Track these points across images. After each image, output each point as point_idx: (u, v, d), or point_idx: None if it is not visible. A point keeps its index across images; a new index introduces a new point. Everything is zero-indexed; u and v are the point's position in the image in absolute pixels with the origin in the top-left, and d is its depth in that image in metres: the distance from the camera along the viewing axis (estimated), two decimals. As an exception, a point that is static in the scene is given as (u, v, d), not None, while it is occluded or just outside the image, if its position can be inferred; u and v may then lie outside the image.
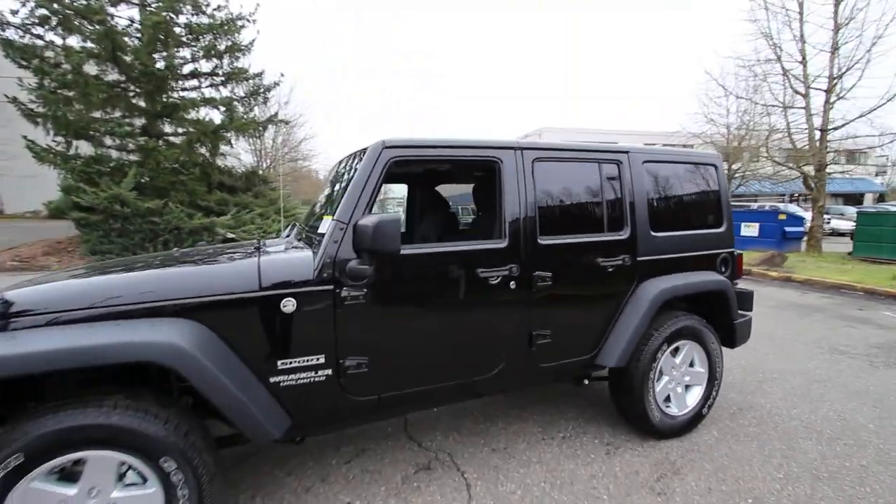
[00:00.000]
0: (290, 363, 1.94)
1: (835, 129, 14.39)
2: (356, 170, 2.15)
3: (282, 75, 14.53)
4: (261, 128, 14.56)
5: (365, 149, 2.21)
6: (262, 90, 14.26)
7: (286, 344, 1.93)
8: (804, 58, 14.05)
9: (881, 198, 35.26)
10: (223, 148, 14.72)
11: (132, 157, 13.17)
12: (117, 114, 13.22)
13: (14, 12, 11.79)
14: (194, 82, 14.27)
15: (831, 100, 13.95)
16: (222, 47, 13.80)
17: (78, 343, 1.53)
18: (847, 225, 22.18)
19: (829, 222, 22.13)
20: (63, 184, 12.07)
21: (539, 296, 2.43)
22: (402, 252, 2.04)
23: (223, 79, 14.19)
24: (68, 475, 1.61)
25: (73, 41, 12.37)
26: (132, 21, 13.03)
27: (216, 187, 13.96)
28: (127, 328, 1.65)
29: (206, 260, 2.15)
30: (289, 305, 1.91)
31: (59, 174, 12.45)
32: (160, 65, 12.87)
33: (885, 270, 10.53)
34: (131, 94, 13.37)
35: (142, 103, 13.41)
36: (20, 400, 1.67)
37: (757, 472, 2.58)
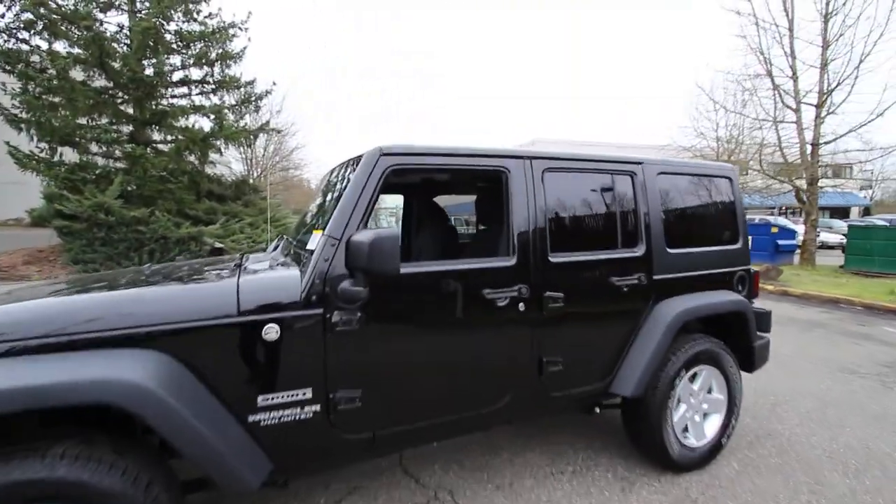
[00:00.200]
0: (273, 399, 1.70)
1: (826, 143, 14.48)
2: (349, 179, 1.94)
3: (273, 84, 14.28)
4: (252, 136, 14.33)
5: (360, 156, 1.99)
6: (253, 98, 14.04)
7: (268, 377, 1.70)
8: (795, 73, 14.16)
9: (866, 211, 35.76)
10: (213, 156, 14.46)
11: (119, 165, 12.87)
12: (104, 120, 12.94)
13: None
14: (184, 90, 14.04)
15: (822, 115, 14.04)
16: (214, 55, 13.60)
17: (9, 383, 1.29)
18: (835, 238, 22.34)
19: (818, 235, 22.29)
20: (46, 191, 11.71)
21: (550, 319, 2.22)
22: (402, 271, 1.83)
23: (214, 87, 13.98)
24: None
25: (60, 46, 12.12)
26: (121, 27, 12.82)
27: (205, 196, 13.66)
28: (76, 362, 1.40)
29: (179, 279, 1.91)
30: (271, 332, 1.67)
31: (42, 181, 12.10)
32: (149, 71, 12.64)
33: (880, 284, 10.50)
34: (119, 100, 13.11)
35: (130, 110, 13.14)
36: None
37: (784, 511, 2.37)
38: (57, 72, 11.60)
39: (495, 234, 2.38)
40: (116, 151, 12.64)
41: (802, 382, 4.37)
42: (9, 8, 11.43)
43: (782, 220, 18.59)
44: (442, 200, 3.77)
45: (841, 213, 33.13)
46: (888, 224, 20.02)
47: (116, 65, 12.34)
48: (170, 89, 13.70)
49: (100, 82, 12.75)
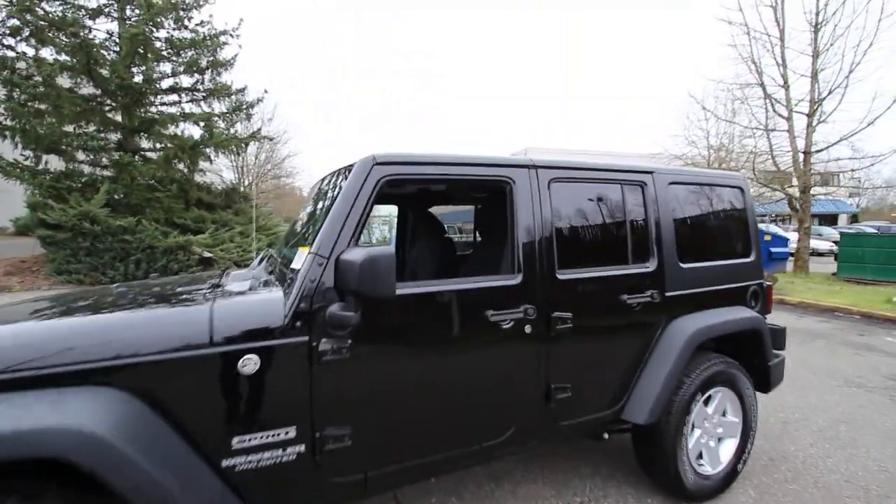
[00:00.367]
0: (250, 440, 1.50)
1: (817, 151, 14.54)
2: (340, 190, 1.76)
3: (265, 92, 14.11)
4: (243, 144, 14.11)
5: (351, 165, 1.82)
6: (244, 106, 13.85)
7: (245, 415, 1.51)
8: (786, 82, 14.24)
9: (854, 218, 36.11)
10: (203, 164, 14.23)
11: (105, 173, 12.61)
12: (91, 128, 12.69)
13: (-17, 22, 11.29)
14: (174, 97, 13.84)
15: (813, 123, 14.12)
16: (204, 63, 13.42)
17: None
18: (825, 245, 22.48)
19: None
20: (29, 200, 11.42)
21: (558, 341, 2.05)
22: (398, 292, 1.65)
23: (204, 94, 13.79)
24: None
25: (47, 53, 11.89)
26: (111, 34, 12.60)
27: (194, 204, 13.42)
28: (11, 406, 1.20)
29: (145, 302, 1.72)
30: (249, 364, 1.48)
31: (26, 189, 11.81)
32: (138, 79, 12.42)
33: (875, 292, 10.48)
34: (107, 108, 12.88)
35: (118, 118, 12.91)
36: None
37: (809, 545, 2.21)
38: (43, 79, 11.37)
39: (497, 248, 2.21)
40: (103, 159, 12.39)
41: (810, 397, 4.23)
42: (-6, 14, 11.21)
43: (773, 228, 18.65)
44: (434, 208, 3.61)
45: (829, 220, 33.42)
46: (877, 231, 20.24)
47: (104, 72, 12.13)
48: (159, 97, 13.49)
49: (87, 89, 12.53)
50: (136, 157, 12.33)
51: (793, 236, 16.32)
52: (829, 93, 13.44)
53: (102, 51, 12.13)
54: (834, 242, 20.13)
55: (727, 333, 2.49)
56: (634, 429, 2.43)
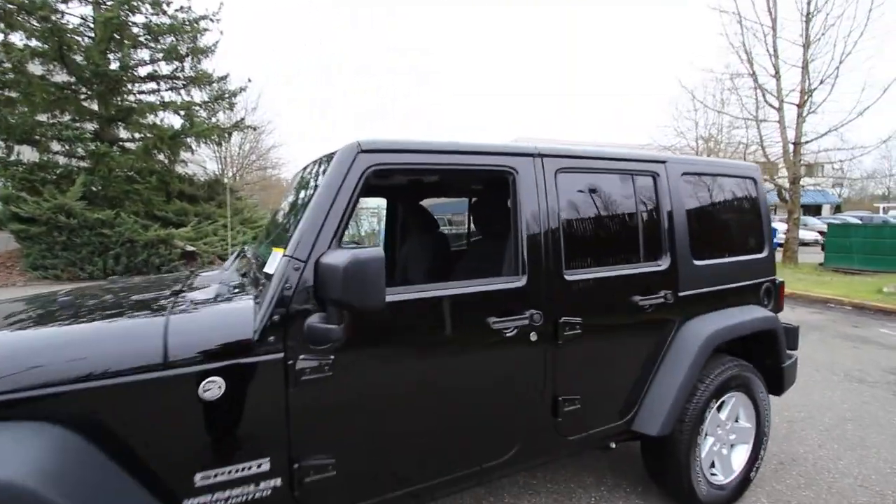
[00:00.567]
0: (217, 476, 1.28)
1: (807, 142, 14.54)
2: (320, 182, 1.54)
3: (248, 80, 13.67)
4: (226, 134, 13.70)
5: (333, 153, 1.59)
6: (227, 95, 13.42)
7: (210, 447, 1.29)
8: (778, 72, 14.16)
9: (837, 209, 36.60)
10: (185, 155, 13.81)
11: (82, 164, 12.14)
12: (66, 117, 12.20)
13: (-54, 5, 10.72)
14: (153, 85, 13.36)
15: (803, 114, 14.09)
16: (184, 49, 12.94)
17: None
18: (810, 235, 22.68)
19: (794, 232, 22.61)
20: (1, 193, 10.94)
21: (566, 349, 1.85)
22: (389, 299, 1.44)
23: (185, 82, 13.32)
24: None
25: (16, 38, 11.33)
26: (85, 18, 12.05)
27: (175, 197, 13.02)
28: None
29: (91, 314, 1.48)
30: (213, 388, 1.26)
31: (-2, 182, 11.34)
32: (114, 66, 11.94)
33: (863, 282, 10.51)
34: (82, 96, 12.38)
35: (94, 106, 12.42)
36: None
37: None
38: (13, 65, 10.84)
39: (497, 246, 2.01)
40: (79, 150, 11.91)
41: (813, 394, 4.12)
42: (-43, -4, 10.65)
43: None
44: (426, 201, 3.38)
45: (813, 210, 33.79)
46: (860, 221, 20.47)
47: (79, 58, 11.63)
48: (137, 85, 13.01)
49: (61, 77, 12.01)
50: (114, 147, 11.89)
51: (781, 227, 16.37)
52: (821, 83, 13.40)
53: (76, 36, 11.61)
54: (820, 233, 20.34)
55: (746, 335, 2.33)
56: (644, 438, 2.26)
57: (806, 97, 13.94)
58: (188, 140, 12.50)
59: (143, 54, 12.76)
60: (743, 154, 15.67)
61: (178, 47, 12.59)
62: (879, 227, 13.99)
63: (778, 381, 2.60)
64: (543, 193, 1.83)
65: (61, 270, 10.87)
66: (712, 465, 2.37)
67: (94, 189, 11.61)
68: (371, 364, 1.52)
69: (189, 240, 12.07)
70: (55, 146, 11.93)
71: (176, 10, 12.75)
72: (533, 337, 1.76)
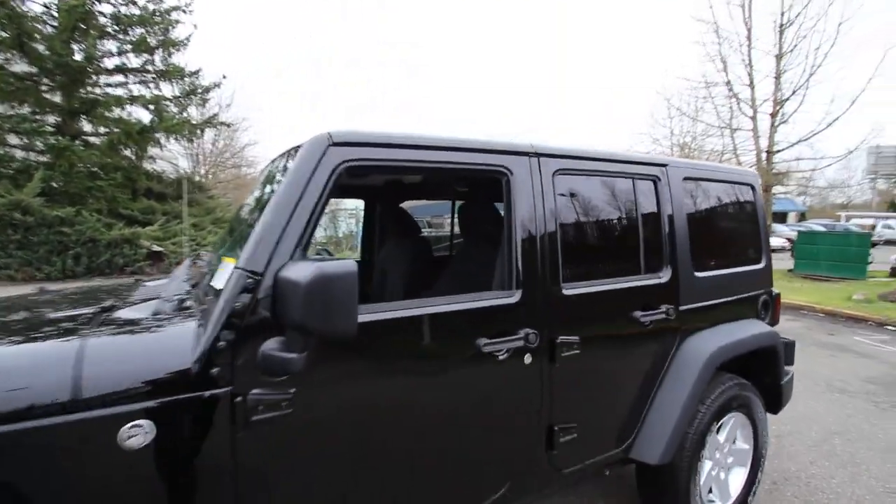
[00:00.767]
0: None
1: (779, 151, 14.88)
2: (283, 181, 1.31)
3: (224, 77, 13.20)
4: (198, 130, 13.21)
5: (300, 145, 1.37)
6: (199, 90, 12.93)
7: None
8: (752, 82, 14.46)
9: (802, 216, 37.81)
10: (154, 151, 13.23)
11: (41, 159, 11.50)
12: (26, 109, 11.53)
13: None
14: (120, 78, 12.78)
15: (775, 123, 14.42)
16: (154, 42, 12.42)
17: None
18: (778, 242, 23.26)
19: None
20: (-49, 188, 10.25)
21: (563, 371, 1.67)
22: (364, 319, 1.22)
23: (154, 76, 12.78)
24: None
25: (-29, 24, 10.67)
26: (47, 7, 11.43)
27: (143, 194, 12.46)
28: None
29: None
30: (138, 435, 1.01)
31: (-53, 176, 10.64)
32: (79, 56, 11.36)
33: (831, 289, 10.70)
34: (44, 87, 11.73)
35: (56, 99, 11.79)
36: None
37: None
38: (-34, 53, 10.20)
39: (487, 256, 1.81)
40: (38, 144, 11.27)
41: (797, 405, 4.05)
42: None
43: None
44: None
45: (779, 217, 34.78)
46: (824, 228, 21.12)
47: (40, 47, 11.01)
48: (103, 77, 12.42)
49: (21, 67, 11.36)
50: (76, 141, 11.29)
51: (754, 234, 16.68)
52: (793, 93, 13.72)
53: (37, 24, 10.99)
54: (788, 239, 20.86)
55: (749, 352, 2.19)
56: (641, 465, 2.09)
57: (778, 107, 14.27)
58: (157, 135, 11.97)
59: (111, 45, 12.21)
60: (718, 161, 15.92)
61: (148, 39, 12.07)
62: (846, 235, 14.41)
63: (776, 399, 2.48)
64: (540, 197, 1.64)
65: (15, 270, 10.25)
66: (710, 491, 2.22)
67: (53, 185, 11.01)
68: (341, 398, 1.29)
69: (156, 239, 11.55)
70: (12, 139, 11.27)
71: (146, 1, 12.25)
72: (527, 359, 1.56)
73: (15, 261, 10.23)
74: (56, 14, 11.10)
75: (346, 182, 1.36)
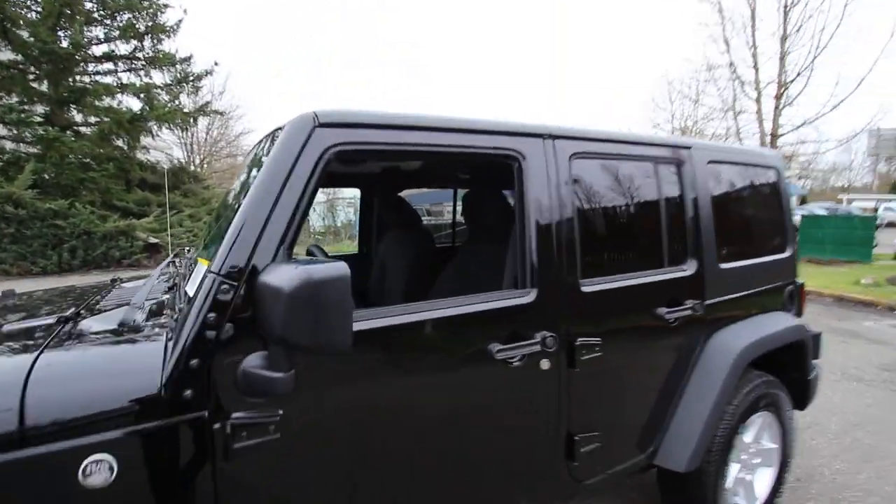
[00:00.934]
0: None
1: (783, 134, 14.64)
2: (263, 168, 1.12)
3: (216, 63, 12.86)
4: (191, 119, 12.93)
5: (282, 127, 1.19)
6: (190, 77, 12.62)
7: None
8: (756, 63, 14.17)
9: (803, 200, 37.62)
10: (148, 141, 12.98)
11: (31, 150, 11.26)
12: (14, 99, 11.25)
13: None
14: (109, 66, 12.47)
15: (780, 106, 14.16)
16: (142, 27, 12.08)
17: None
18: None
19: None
20: (-61, 181, 10.04)
21: (584, 376, 1.51)
22: (361, 327, 1.06)
23: (144, 63, 12.47)
24: None
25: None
26: (32, -9, 11.10)
27: (136, 185, 12.23)
28: None
29: None
30: (98, 472, 0.85)
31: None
32: (65, 43, 11.04)
33: (837, 273, 10.58)
34: (30, 76, 11.44)
35: (44, 88, 11.50)
36: None
37: None
38: (-52, 40, 9.91)
39: (496, 250, 1.64)
40: (27, 135, 11.02)
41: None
42: None
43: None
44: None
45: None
46: (826, 212, 20.96)
47: (25, 34, 10.70)
48: (91, 65, 12.11)
49: (6, 55, 11.06)
50: (67, 132, 11.04)
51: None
52: (798, 74, 13.43)
53: (20, 9, 10.66)
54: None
55: (780, 347, 2.03)
56: (665, 472, 1.95)
57: (783, 89, 14.00)
58: (148, 124, 11.70)
59: (98, 32, 11.88)
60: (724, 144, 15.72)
61: (136, 24, 11.73)
62: (850, 218, 14.26)
63: (803, 394, 2.33)
64: (556, 184, 1.46)
65: (10, 265, 10.09)
66: (735, 494, 2.09)
67: (45, 177, 10.78)
68: (337, 416, 1.12)
69: (152, 231, 11.37)
70: (0, 130, 11.02)
71: (133, -15, 11.89)
72: (545, 365, 1.40)
73: (9, 255, 10.06)
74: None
75: (338, 169, 1.19)
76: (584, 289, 1.51)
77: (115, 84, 11.94)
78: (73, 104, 11.38)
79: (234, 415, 0.97)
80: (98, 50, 12.00)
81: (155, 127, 11.92)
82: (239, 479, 0.99)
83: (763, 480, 2.20)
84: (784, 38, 13.74)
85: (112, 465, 0.86)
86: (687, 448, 1.73)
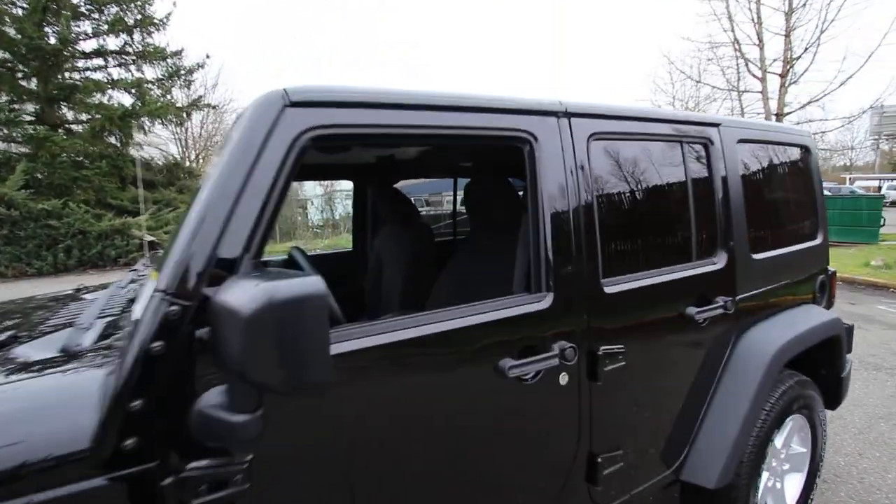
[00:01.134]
0: None
1: (789, 113, 14.31)
2: (222, 157, 0.90)
3: (207, 56, 12.58)
4: (184, 113, 12.68)
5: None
6: (182, 71, 12.35)
7: None
8: (761, 40, 13.80)
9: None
10: (141, 137, 12.75)
11: (22, 150, 11.06)
12: (3, 98, 11.03)
13: None
14: (99, 61, 12.20)
15: (786, 84, 13.82)
16: (131, 21, 11.80)
17: None
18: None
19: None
20: (-70, 183, 9.86)
21: (607, 390, 1.33)
22: (350, 348, 0.88)
23: (134, 58, 12.19)
24: None
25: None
26: (17, -12, 10.80)
27: (131, 183, 12.03)
28: None
29: None
30: None
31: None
32: (53, 40, 10.78)
33: (845, 255, 10.37)
34: (19, 74, 11.19)
35: (33, 86, 11.26)
36: None
37: None
38: (-68, 38, 9.67)
39: (504, 249, 1.46)
40: (17, 134, 10.81)
41: (834, 387, 3.78)
42: None
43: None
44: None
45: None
46: (829, 192, 20.68)
47: (11, 31, 10.43)
48: (80, 61, 11.85)
49: (-7, 53, 10.81)
50: (58, 130, 10.82)
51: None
52: (805, 50, 13.08)
53: (5, 5, 10.39)
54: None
55: (816, 345, 1.85)
56: (690, 486, 1.77)
57: (788, 66, 13.65)
58: (141, 120, 11.47)
59: (86, 26, 11.60)
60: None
61: (125, 18, 11.45)
62: (857, 199, 14.00)
63: (836, 393, 2.16)
64: (573, 169, 1.27)
65: (5, 267, 9.95)
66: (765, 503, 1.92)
67: (37, 177, 10.60)
68: (319, 454, 0.95)
69: (148, 229, 11.19)
70: (-10, 130, 10.82)
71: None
72: (563, 380, 1.23)
73: (4, 257, 9.92)
74: (26, -6, 10.51)
75: (316, 160, 0.99)
76: (607, 289, 1.32)
77: (105, 80, 11.69)
78: (63, 101, 11.16)
79: (191, 465, 0.79)
80: (87, 46, 11.74)
81: (147, 122, 11.68)
82: None
83: (793, 486, 2.04)
84: (789, 13, 13.36)
85: None
86: (718, 462, 1.55)
